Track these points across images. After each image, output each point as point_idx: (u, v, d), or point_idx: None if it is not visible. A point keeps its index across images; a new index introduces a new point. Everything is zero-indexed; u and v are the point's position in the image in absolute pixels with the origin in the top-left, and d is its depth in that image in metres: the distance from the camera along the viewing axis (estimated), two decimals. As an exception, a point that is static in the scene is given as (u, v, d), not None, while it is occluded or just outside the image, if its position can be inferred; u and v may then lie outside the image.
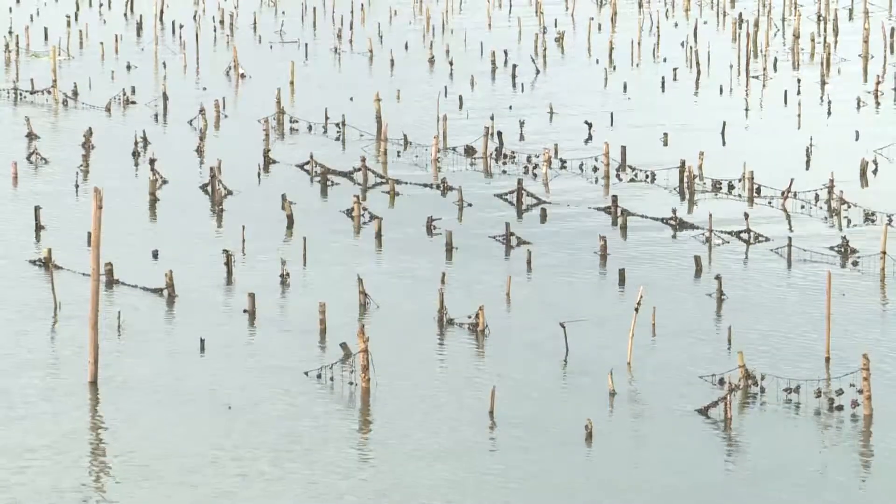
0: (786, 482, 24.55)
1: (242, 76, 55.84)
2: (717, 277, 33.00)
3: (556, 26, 65.57)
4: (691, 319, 31.42)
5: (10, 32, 62.86)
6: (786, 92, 52.75)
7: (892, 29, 62.86)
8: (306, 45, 62.88)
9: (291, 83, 52.10)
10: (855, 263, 34.64)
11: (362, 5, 70.97)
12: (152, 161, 42.61)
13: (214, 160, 42.13)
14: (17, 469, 24.93)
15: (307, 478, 24.69)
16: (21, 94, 53.12)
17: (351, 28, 65.74)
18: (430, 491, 24.09)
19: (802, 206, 39.08)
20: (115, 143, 45.94)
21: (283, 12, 70.62)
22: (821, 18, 66.36)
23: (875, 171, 42.39)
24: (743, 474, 25.01)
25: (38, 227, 37.21)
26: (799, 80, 54.60)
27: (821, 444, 26.06)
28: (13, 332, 31.22)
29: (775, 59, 58.22)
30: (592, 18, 67.96)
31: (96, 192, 28.68)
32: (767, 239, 36.26)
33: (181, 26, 65.97)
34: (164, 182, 41.32)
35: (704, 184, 40.80)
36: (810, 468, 25.13)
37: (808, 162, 43.22)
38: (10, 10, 70.81)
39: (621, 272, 33.92)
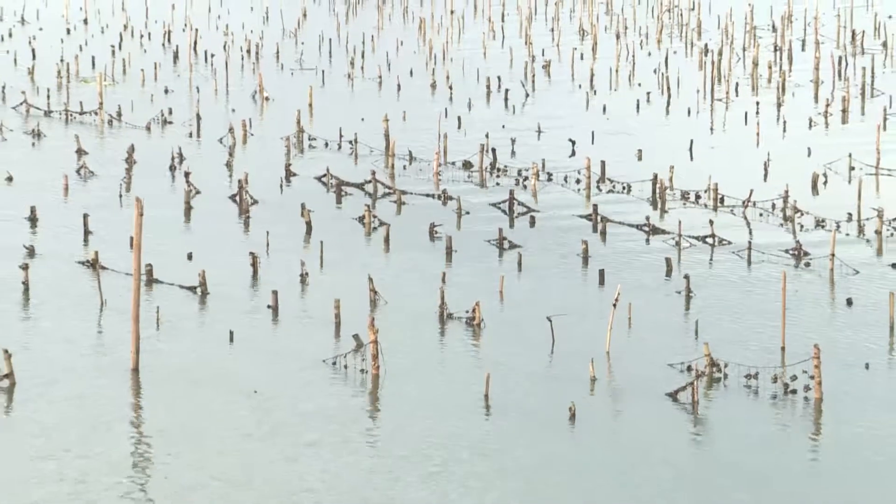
0: (746, 457, 24.65)
1: (266, 99, 55.81)
2: (686, 277, 33.08)
3: (543, 55, 65.47)
4: (662, 314, 31.50)
5: (62, 60, 62.79)
6: (746, 113, 52.82)
7: (840, 58, 62.81)
8: (323, 71, 62.79)
9: (310, 105, 52.06)
10: (807, 264, 34.67)
11: (372, 36, 70.85)
12: (187, 174, 42.65)
13: (242, 173, 42.21)
14: (67, 444, 24.96)
15: (323, 451, 24.76)
16: (71, 115, 53.12)
17: (362, 57, 65.67)
18: (431, 462, 24.14)
19: (761, 214, 39.14)
20: (155, 158, 45.96)
21: (303, 43, 70.50)
22: (777, 48, 66.33)
23: (825, 183, 42.46)
24: (708, 451, 25.14)
25: (87, 233, 37.26)
26: (758, 103, 54.57)
27: (777, 423, 26.11)
28: (65, 324, 31.29)
29: (737, 84, 58.17)
30: (576, 48, 67.94)
31: (137, 201, 28.74)
32: (730, 243, 36.30)
33: (212, 55, 65.86)
34: (198, 192, 41.35)
35: (674, 194, 40.85)
36: (767, 445, 25.20)
37: (765, 175, 43.24)
38: (62, 40, 70.72)
39: (601, 272, 33.97)
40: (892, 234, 36.49)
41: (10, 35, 74.39)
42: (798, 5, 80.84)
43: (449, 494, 23.09)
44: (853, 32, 69.92)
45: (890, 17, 76.36)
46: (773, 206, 39.25)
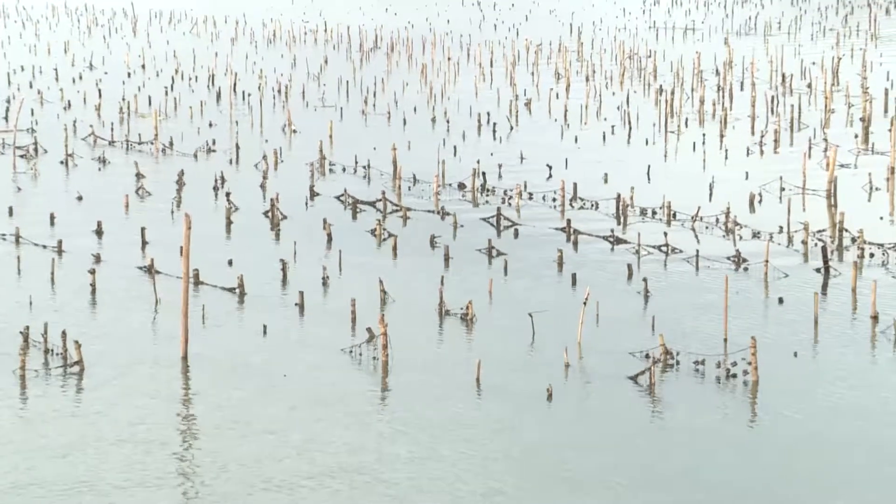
0: (693, 428, 24.65)
1: (294, 131, 55.82)
2: (644, 280, 33.11)
3: (525, 95, 65.40)
4: (625, 311, 31.50)
5: (123, 99, 62.73)
6: (694, 143, 52.79)
7: (772, 97, 62.73)
8: (341, 108, 62.80)
9: (330, 136, 52.02)
10: (746, 269, 34.70)
11: (382, 79, 70.80)
12: (227, 194, 42.70)
13: (273, 193, 42.27)
14: (128, 419, 24.93)
15: (342, 422, 24.78)
16: (131, 145, 53.19)
17: (374, 96, 65.58)
18: (431, 431, 24.16)
19: (706, 227, 39.15)
20: (200, 181, 45.99)
21: (325, 84, 70.44)
22: (720, 89, 66.31)
23: (760, 202, 42.48)
24: (662, 424, 25.13)
25: (144, 243, 37.25)
26: (704, 135, 54.55)
27: (720, 401, 26.13)
28: (125, 319, 31.36)
29: (686, 119, 58.16)
30: (552, 89, 67.89)
31: (186, 216, 28.80)
32: (681, 251, 36.30)
33: (249, 95, 65.76)
34: (237, 209, 41.36)
35: (634, 211, 40.88)
36: (712, 418, 25.21)
37: (710, 195, 43.23)
38: (123, 83, 70.69)
39: (573, 276, 34.01)
40: (815, 244, 36.48)
41: (81, 78, 74.27)
42: (737, 53, 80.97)
43: (448, 457, 23.11)
44: (783, 75, 69.94)
45: (813, 63, 76.36)
46: (717, 220, 39.27)
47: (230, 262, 34.97)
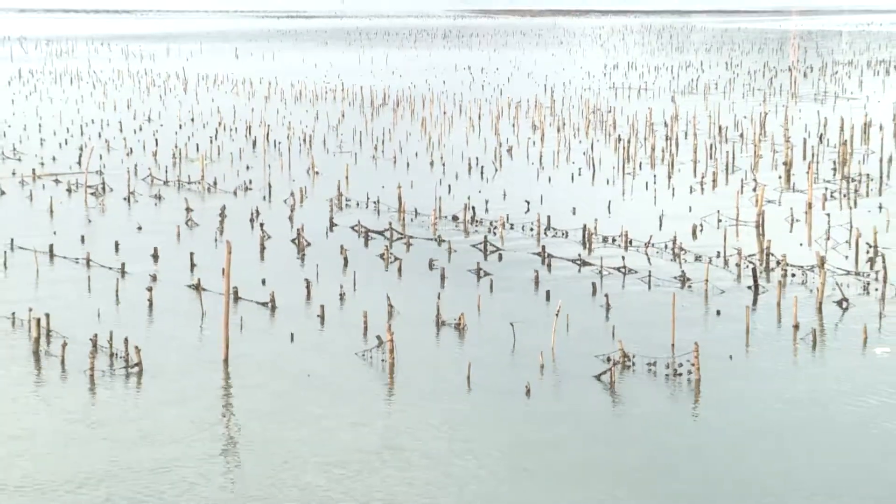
0: (646, 418, 24.64)
1: (317, 173, 55.83)
2: (606, 295, 33.10)
3: (507, 142, 65.51)
4: (590, 321, 31.49)
5: (176, 146, 62.91)
6: (646, 183, 52.88)
7: (711, 144, 62.96)
8: (356, 154, 62.92)
9: (346, 177, 52.07)
10: (690, 287, 34.70)
11: (389, 130, 70.95)
12: (261, 224, 42.67)
13: (299, 224, 42.21)
14: (182, 411, 24.94)
15: (356, 412, 24.76)
16: (182, 184, 53.21)
17: (383, 143, 65.70)
18: (429, 420, 24.16)
19: (657, 252, 39.18)
20: (239, 214, 46.09)
21: (342, 134, 70.56)
22: (668, 138, 66.47)
23: (701, 231, 42.55)
24: (620, 414, 25.11)
25: (192, 265, 37.25)
26: (655, 176, 54.66)
27: (669, 395, 26.10)
28: (177, 328, 31.32)
29: (640, 163, 58.28)
30: (529, 138, 68.11)
31: (227, 243, 28.82)
32: (636, 272, 36.29)
33: (279, 143, 65.93)
34: (269, 237, 41.37)
35: (598, 238, 40.90)
36: (663, 409, 25.20)
37: (660, 225, 43.30)
38: (176, 133, 70.94)
39: (547, 292, 34.00)
40: (746, 266, 36.53)
41: (141, 129, 74.46)
42: (682, 109, 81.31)
43: (443, 442, 23.10)
44: (720, 127, 70.09)
45: (745, 117, 76.68)
46: (666, 246, 39.30)
47: (263, 281, 34.93)
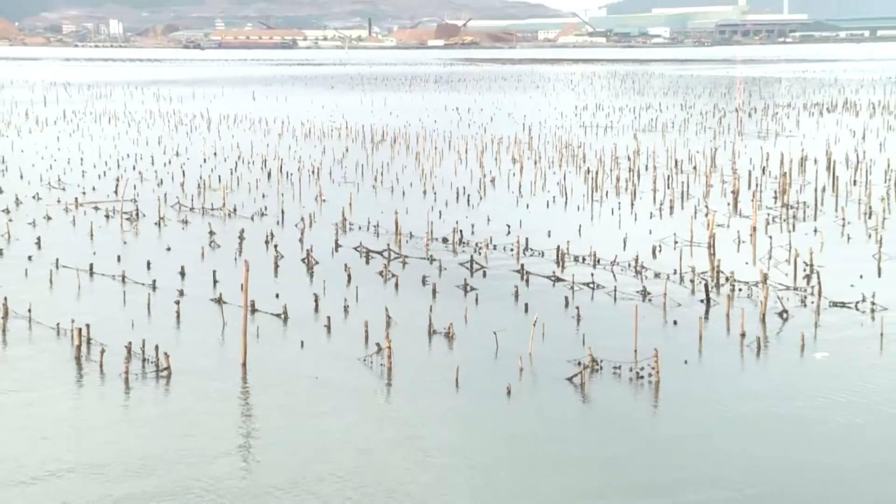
0: (612, 416, 24.64)
1: (324, 201, 55.92)
2: (577, 307, 33.15)
3: (490, 174, 65.59)
4: (563, 329, 31.50)
5: (200, 177, 62.91)
6: (612, 209, 53.04)
7: (668, 176, 63.09)
8: (358, 184, 62.88)
9: (350, 204, 52.10)
10: (650, 301, 34.74)
11: (387, 163, 71.05)
12: (276, 246, 42.75)
13: (309, 245, 42.29)
14: (206, 408, 24.90)
15: (358, 410, 24.74)
16: (206, 211, 53.25)
17: (382, 175, 65.74)
18: (422, 417, 24.17)
19: (622, 270, 39.26)
20: (256, 237, 46.12)
21: (346, 166, 70.61)
22: (630, 170, 66.58)
23: (660, 251, 42.62)
24: (590, 413, 25.11)
25: (215, 281, 37.21)
26: (619, 203, 54.74)
27: (632, 393, 26.11)
28: (201, 336, 31.27)
29: (607, 192, 58.37)
30: (510, 170, 68.10)
31: (245, 262, 28.91)
32: (603, 287, 36.34)
33: (291, 174, 65.91)
34: (282, 257, 41.39)
35: (570, 258, 40.95)
36: (626, 409, 25.21)
37: (624, 246, 43.43)
38: (200, 165, 70.92)
39: (525, 305, 34.04)
40: (700, 282, 36.60)
41: (170, 162, 74.45)
42: (643, 145, 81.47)
43: (434, 436, 23.10)
44: (676, 161, 70.31)
45: (697, 152, 76.92)
46: (629, 265, 39.37)
47: (277, 295, 34.92)
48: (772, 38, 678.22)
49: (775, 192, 57.75)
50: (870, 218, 50.25)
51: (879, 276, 38.42)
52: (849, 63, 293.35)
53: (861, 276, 37.84)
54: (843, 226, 48.35)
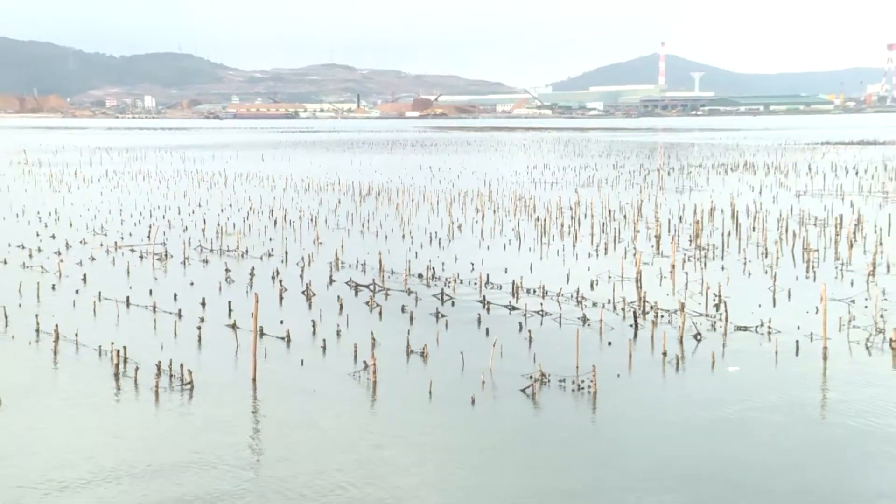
0: (558, 423, 24.55)
1: (320, 243, 55.74)
2: (529, 331, 33.10)
3: (457, 221, 65.64)
4: (518, 349, 31.41)
5: (218, 224, 62.72)
6: (557, 250, 53.17)
7: (603, 223, 63.21)
8: (348, 229, 62.69)
9: (342, 246, 51.96)
10: (589, 325, 34.71)
11: (372, 212, 70.97)
12: (280, 281, 42.55)
13: (308, 280, 42.20)
14: (222, 416, 24.67)
15: (349, 418, 24.56)
16: (223, 252, 53.04)
17: (368, 222, 65.66)
18: (401, 425, 24.00)
19: (566, 300, 39.21)
20: (264, 274, 45.90)
21: (339, 215, 70.61)
22: (573, 218, 66.79)
23: (597, 284, 42.77)
24: (540, 419, 25.01)
25: (230, 310, 36.96)
26: (563, 245, 54.77)
27: (574, 402, 26.04)
28: (217, 356, 31.02)
29: (553, 236, 58.44)
30: (473, 217, 68.08)
31: (255, 295, 28.79)
32: (550, 314, 36.30)
33: (293, 221, 65.72)
34: (286, 290, 41.11)
35: (523, 290, 40.92)
36: (568, 416, 25.13)
37: (567, 280, 43.46)
38: (218, 214, 70.67)
39: (487, 329, 33.97)
40: (630, 310, 36.68)
41: (193, 212, 74.15)
42: (583, 197, 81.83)
43: (415, 439, 22.95)
44: (609, 211, 70.58)
45: (627, 203, 77.31)
46: (572, 296, 39.38)
47: (281, 322, 34.75)
48: (686, 111, 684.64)
49: (690, 236, 58.10)
50: (766, 257, 50.61)
51: (774, 305, 38.67)
52: (747, 131, 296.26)
53: (759, 305, 38.05)
54: (745, 264, 48.64)
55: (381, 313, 37.01)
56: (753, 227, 61.93)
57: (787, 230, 59.16)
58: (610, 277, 44.03)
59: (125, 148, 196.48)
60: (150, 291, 41.27)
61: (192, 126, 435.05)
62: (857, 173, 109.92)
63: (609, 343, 32.27)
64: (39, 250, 53.35)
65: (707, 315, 36.24)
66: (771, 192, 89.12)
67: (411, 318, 35.99)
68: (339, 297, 39.11)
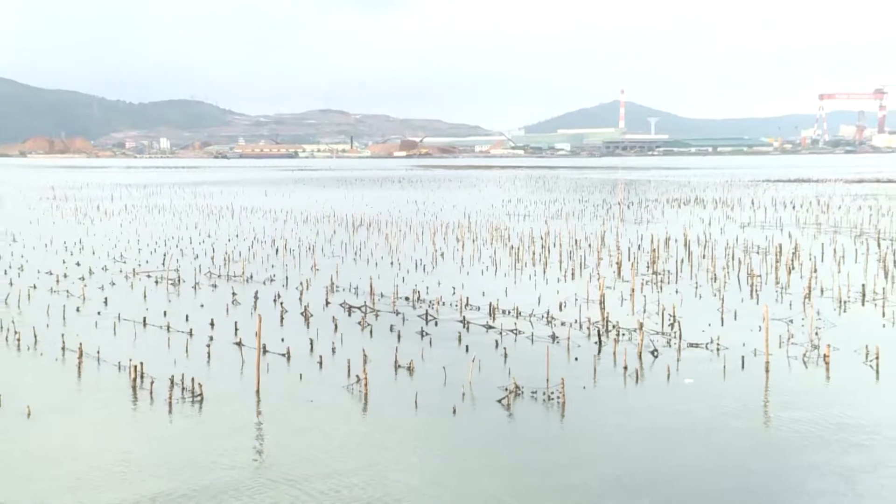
0: (530, 430, 24.49)
1: (317, 269, 55.63)
2: (504, 347, 33.08)
3: (440, 249, 65.59)
4: (494, 363, 31.36)
5: (226, 252, 62.41)
6: (530, 275, 52.97)
7: (570, 251, 63.32)
8: (342, 257, 62.56)
9: (337, 272, 52.00)
10: (558, 343, 34.72)
11: (364, 242, 70.71)
12: (281, 303, 42.40)
13: (306, 302, 42.12)
14: (231, 424, 24.51)
15: (344, 424, 24.42)
16: (230, 277, 52.74)
17: (359, 252, 65.45)
18: (389, 432, 23.89)
19: (537, 320, 39.18)
20: (267, 297, 45.70)
21: (334, 244, 70.26)
22: (543, 246, 66.81)
23: (565, 306, 42.69)
24: (514, 427, 24.93)
25: (236, 329, 36.82)
26: (535, 271, 54.81)
27: (544, 412, 26.01)
28: (225, 371, 30.84)
29: (525, 262, 58.35)
30: (454, 246, 68.03)
31: (258, 316, 28.74)
32: (524, 332, 36.27)
33: (293, 249, 65.62)
34: (286, 311, 40.98)
35: (499, 311, 40.88)
36: (540, 424, 25.08)
37: (539, 302, 43.48)
38: (225, 244, 70.25)
39: (467, 346, 33.90)
40: (594, 329, 36.74)
41: (203, 242, 73.90)
42: (552, 228, 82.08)
43: (402, 444, 22.82)
44: (576, 240, 70.78)
45: (591, 233, 77.50)
46: (542, 316, 39.42)
47: (282, 340, 34.63)
48: (643, 151, 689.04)
49: (647, 262, 58.33)
50: (715, 282, 50.87)
51: (722, 324, 38.84)
52: (697, 170, 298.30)
53: (709, 324, 38.20)
54: (696, 287, 48.86)
55: (371, 332, 36.91)
56: (703, 255, 62.29)
57: (733, 257, 59.67)
58: (576, 300, 44.08)
59: (143, 184, 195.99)
60: (165, 313, 41.07)
61: (203, 165, 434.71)
62: (794, 207, 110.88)
63: (576, 358, 32.24)
64: (65, 276, 53.15)
65: (663, 333, 36.31)
66: (719, 223, 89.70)
67: (399, 337, 35.91)
68: (334, 317, 39.01)
